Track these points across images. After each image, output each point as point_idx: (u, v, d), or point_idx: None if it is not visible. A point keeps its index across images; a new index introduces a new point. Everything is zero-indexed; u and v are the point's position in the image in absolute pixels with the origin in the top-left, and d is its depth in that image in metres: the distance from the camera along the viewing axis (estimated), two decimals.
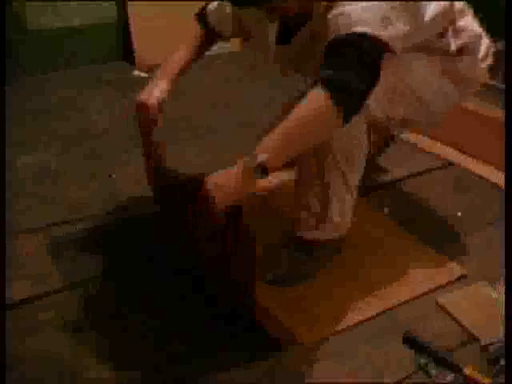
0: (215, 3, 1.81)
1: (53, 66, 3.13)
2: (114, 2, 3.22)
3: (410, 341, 1.53)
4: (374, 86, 1.39)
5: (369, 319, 1.63)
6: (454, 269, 1.80)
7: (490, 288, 1.72)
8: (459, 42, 1.68)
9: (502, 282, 1.71)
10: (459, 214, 2.06)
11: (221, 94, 2.97)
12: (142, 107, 1.71)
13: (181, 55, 1.81)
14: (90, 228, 1.97)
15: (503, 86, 2.94)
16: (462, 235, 1.97)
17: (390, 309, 1.66)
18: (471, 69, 1.72)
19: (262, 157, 1.33)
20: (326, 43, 1.39)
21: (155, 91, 1.72)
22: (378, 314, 1.64)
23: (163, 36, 3.24)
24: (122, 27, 3.26)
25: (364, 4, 1.38)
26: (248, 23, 1.76)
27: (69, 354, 1.50)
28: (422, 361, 1.49)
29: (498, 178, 2.22)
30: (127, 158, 2.37)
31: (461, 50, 1.68)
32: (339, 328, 1.59)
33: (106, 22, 3.24)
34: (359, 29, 1.36)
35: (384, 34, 1.37)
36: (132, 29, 3.21)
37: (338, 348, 1.54)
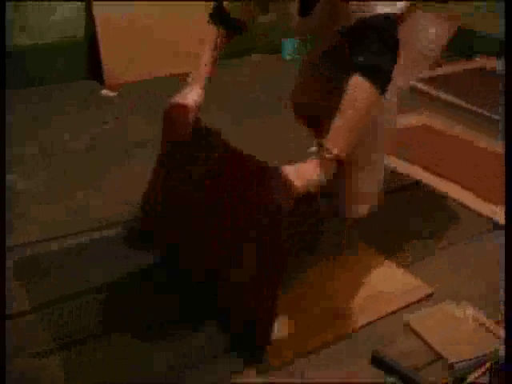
0: None
1: (20, 84, 3.10)
2: (82, 20, 3.21)
3: (378, 360, 1.54)
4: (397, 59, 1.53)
5: (336, 340, 1.63)
6: (421, 288, 1.82)
7: (455, 307, 1.73)
8: None
9: (467, 302, 1.74)
10: (426, 232, 2.08)
11: None
12: (179, 109, 1.76)
13: (206, 60, 1.83)
14: (63, 248, 1.96)
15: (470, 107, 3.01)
16: (428, 254, 1.98)
17: (357, 328, 1.67)
18: None
19: (335, 150, 1.49)
20: (348, 25, 1.51)
21: (191, 95, 1.78)
22: (344, 334, 1.65)
23: (132, 55, 3.25)
24: (91, 45, 3.24)
25: None
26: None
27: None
28: (390, 380, 1.49)
29: (465, 197, 2.25)
30: (97, 176, 2.37)
31: None
32: (306, 349, 1.59)
33: (74, 40, 3.23)
34: (379, 10, 1.48)
35: (398, 7, 1.52)
36: (100, 47, 3.20)
37: (303, 368, 1.54)
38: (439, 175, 2.40)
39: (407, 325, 1.68)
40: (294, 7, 1.71)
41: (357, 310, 1.72)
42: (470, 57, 3.40)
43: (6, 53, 2.73)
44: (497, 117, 2.89)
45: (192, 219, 1.80)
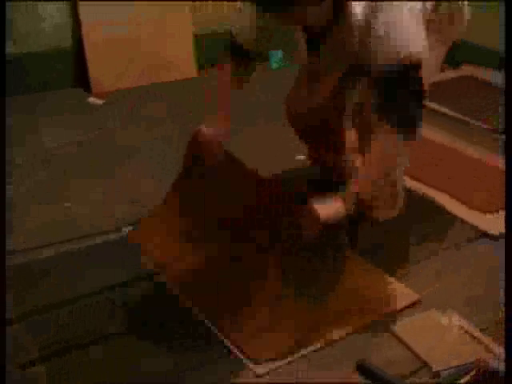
0: (237, 26, 1.88)
1: (7, 92, 3.09)
2: (69, 29, 3.21)
3: (364, 369, 1.54)
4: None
5: (322, 347, 1.63)
6: (408, 295, 1.82)
7: (441, 315, 1.74)
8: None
9: (452, 310, 1.75)
10: (414, 240, 2.09)
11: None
12: (207, 144, 1.87)
13: (224, 97, 1.95)
14: (49, 257, 1.96)
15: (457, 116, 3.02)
16: (415, 262, 1.99)
17: (343, 336, 1.67)
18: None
19: (361, 195, 1.60)
20: (374, 73, 1.58)
21: (217, 132, 1.87)
22: (330, 342, 1.65)
23: (119, 63, 3.25)
24: (77, 53, 3.24)
25: (391, 20, 1.54)
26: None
27: None
28: None
29: (452, 205, 2.26)
30: (84, 185, 2.36)
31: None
32: (292, 357, 1.59)
33: (61, 48, 3.22)
34: (402, 55, 1.53)
35: (420, 50, 1.56)
36: (87, 55, 3.20)
37: (291, 376, 1.54)
38: (426, 183, 2.40)
39: (393, 333, 1.68)
40: (302, 46, 1.82)
41: (343, 316, 1.72)
42: (456, 65, 3.42)
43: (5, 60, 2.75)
44: (485, 126, 2.91)
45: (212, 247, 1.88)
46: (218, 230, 1.91)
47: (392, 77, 1.55)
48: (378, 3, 1.57)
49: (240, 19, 1.92)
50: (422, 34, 1.62)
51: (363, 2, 1.59)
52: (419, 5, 1.67)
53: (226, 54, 1.92)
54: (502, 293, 1.83)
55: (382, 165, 1.62)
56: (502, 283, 1.87)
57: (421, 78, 1.57)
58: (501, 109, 3.07)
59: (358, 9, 1.59)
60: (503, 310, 1.73)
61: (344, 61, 1.75)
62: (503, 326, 1.70)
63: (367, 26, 1.58)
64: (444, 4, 1.85)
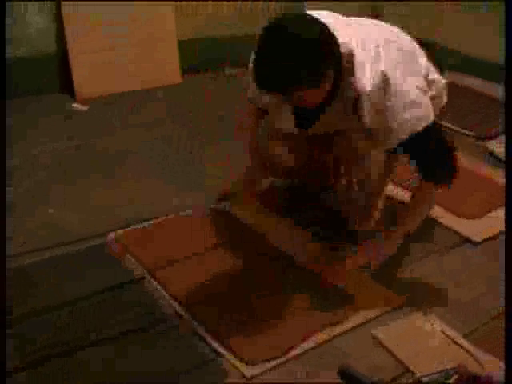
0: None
1: None
2: (53, 34, 3.20)
3: (345, 374, 1.53)
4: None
5: (304, 352, 1.63)
6: (392, 299, 1.82)
7: (423, 320, 1.74)
8: (432, 92, 1.91)
9: (435, 315, 1.75)
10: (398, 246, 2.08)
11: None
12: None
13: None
14: (34, 262, 1.95)
15: None
16: (398, 267, 1.99)
17: (326, 341, 1.67)
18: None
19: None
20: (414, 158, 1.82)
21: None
22: (312, 347, 1.65)
23: (103, 68, 3.24)
24: (62, 59, 3.22)
25: (399, 99, 1.68)
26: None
27: None
28: None
29: (436, 211, 2.26)
30: (67, 191, 2.35)
31: (433, 97, 1.90)
32: (275, 362, 1.59)
33: (45, 53, 3.21)
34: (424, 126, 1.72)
35: (432, 115, 1.75)
36: (71, 60, 3.18)
37: (273, 382, 1.54)
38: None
39: (375, 338, 1.68)
40: (289, 123, 1.89)
41: (326, 320, 1.72)
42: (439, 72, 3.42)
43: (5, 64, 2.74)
44: (472, 133, 2.91)
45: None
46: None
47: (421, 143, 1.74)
48: (386, 79, 1.66)
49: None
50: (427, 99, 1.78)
51: (369, 79, 1.66)
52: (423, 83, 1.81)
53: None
54: (484, 298, 1.84)
55: (424, 209, 1.95)
56: (485, 288, 1.89)
57: (445, 137, 1.82)
58: (484, 115, 3.09)
59: (367, 85, 1.66)
60: (490, 315, 1.75)
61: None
62: (485, 331, 1.71)
63: (380, 101, 1.68)
64: (438, 83, 1.96)
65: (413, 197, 1.96)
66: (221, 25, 3.57)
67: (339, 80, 1.68)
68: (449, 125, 2.96)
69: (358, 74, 1.66)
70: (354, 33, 1.70)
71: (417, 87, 1.72)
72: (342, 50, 1.65)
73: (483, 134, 2.88)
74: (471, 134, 2.91)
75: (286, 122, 1.89)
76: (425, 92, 1.78)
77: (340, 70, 1.67)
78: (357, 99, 1.69)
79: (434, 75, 1.95)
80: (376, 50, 1.69)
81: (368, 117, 1.70)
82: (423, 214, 1.94)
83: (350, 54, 1.66)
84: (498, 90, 3.21)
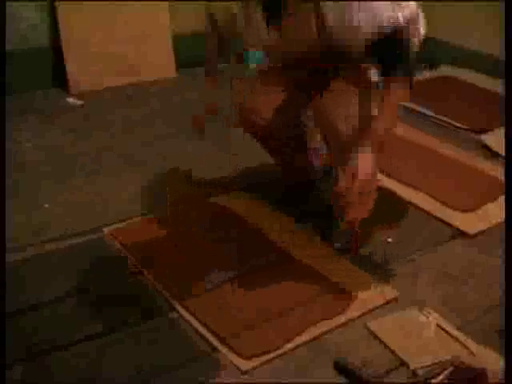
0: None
1: None
2: (47, 28, 3.19)
3: (341, 367, 1.54)
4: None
5: (299, 345, 1.63)
6: (386, 292, 1.83)
7: (418, 313, 1.74)
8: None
9: (429, 308, 1.76)
10: (389, 239, 2.09)
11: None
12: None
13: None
14: (25, 258, 1.95)
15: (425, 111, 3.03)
16: (392, 261, 1.99)
17: (321, 334, 1.67)
18: None
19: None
20: (368, 43, 1.73)
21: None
22: (308, 340, 1.65)
23: (97, 62, 3.23)
24: (55, 53, 3.22)
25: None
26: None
27: None
28: None
29: (429, 204, 2.27)
30: (59, 187, 2.35)
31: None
32: (269, 356, 1.59)
33: (38, 47, 3.20)
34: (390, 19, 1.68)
35: (404, 14, 1.70)
36: (65, 55, 3.18)
37: (268, 375, 1.55)
38: (403, 183, 2.41)
39: (370, 331, 1.68)
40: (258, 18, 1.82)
41: (321, 314, 1.73)
42: (432, 65, 3.43)
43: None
44: (464, 126, 2.91)
45: None
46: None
47: (386, 39, 1.71)
48: None
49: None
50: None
51: None
52: None
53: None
54: (478, 290, 1.85)
55: (392, 109, 1.81)
56: (479, 281, 1.89)
57: (407, 38, 1.74)
58: (478, 109, 3.10)
59: None
60: (485, 307, 1.75)
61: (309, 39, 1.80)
62: (480, 323, 1.72)
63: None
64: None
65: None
66: None
67: None
68: (444, 118, 2.98)
69: None
70: None
71: None
72: None
73: (477, 127, 2.88)
74: (465, 127, 2.91)
75: (259, 30, 1.86)
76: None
77: None
78: None
79: None
80: None
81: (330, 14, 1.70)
82: (389, 121, 1.81)
83: None
84: (492, 84, 3.22)
